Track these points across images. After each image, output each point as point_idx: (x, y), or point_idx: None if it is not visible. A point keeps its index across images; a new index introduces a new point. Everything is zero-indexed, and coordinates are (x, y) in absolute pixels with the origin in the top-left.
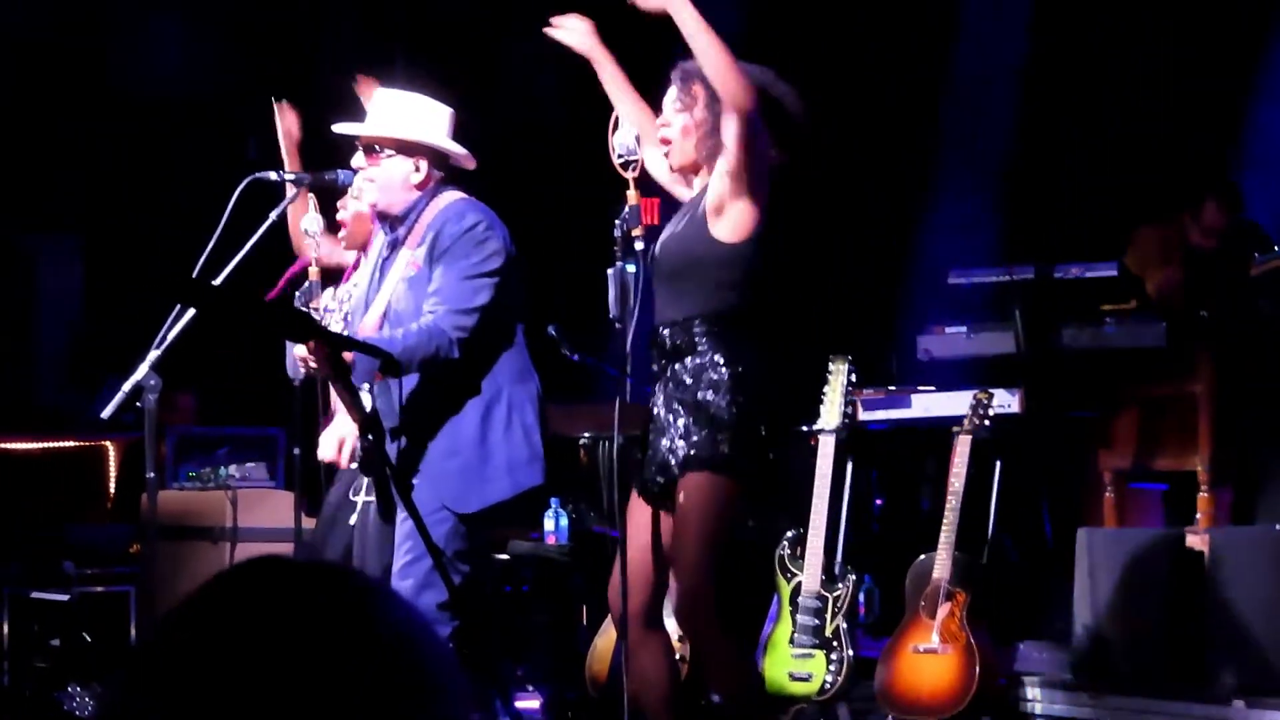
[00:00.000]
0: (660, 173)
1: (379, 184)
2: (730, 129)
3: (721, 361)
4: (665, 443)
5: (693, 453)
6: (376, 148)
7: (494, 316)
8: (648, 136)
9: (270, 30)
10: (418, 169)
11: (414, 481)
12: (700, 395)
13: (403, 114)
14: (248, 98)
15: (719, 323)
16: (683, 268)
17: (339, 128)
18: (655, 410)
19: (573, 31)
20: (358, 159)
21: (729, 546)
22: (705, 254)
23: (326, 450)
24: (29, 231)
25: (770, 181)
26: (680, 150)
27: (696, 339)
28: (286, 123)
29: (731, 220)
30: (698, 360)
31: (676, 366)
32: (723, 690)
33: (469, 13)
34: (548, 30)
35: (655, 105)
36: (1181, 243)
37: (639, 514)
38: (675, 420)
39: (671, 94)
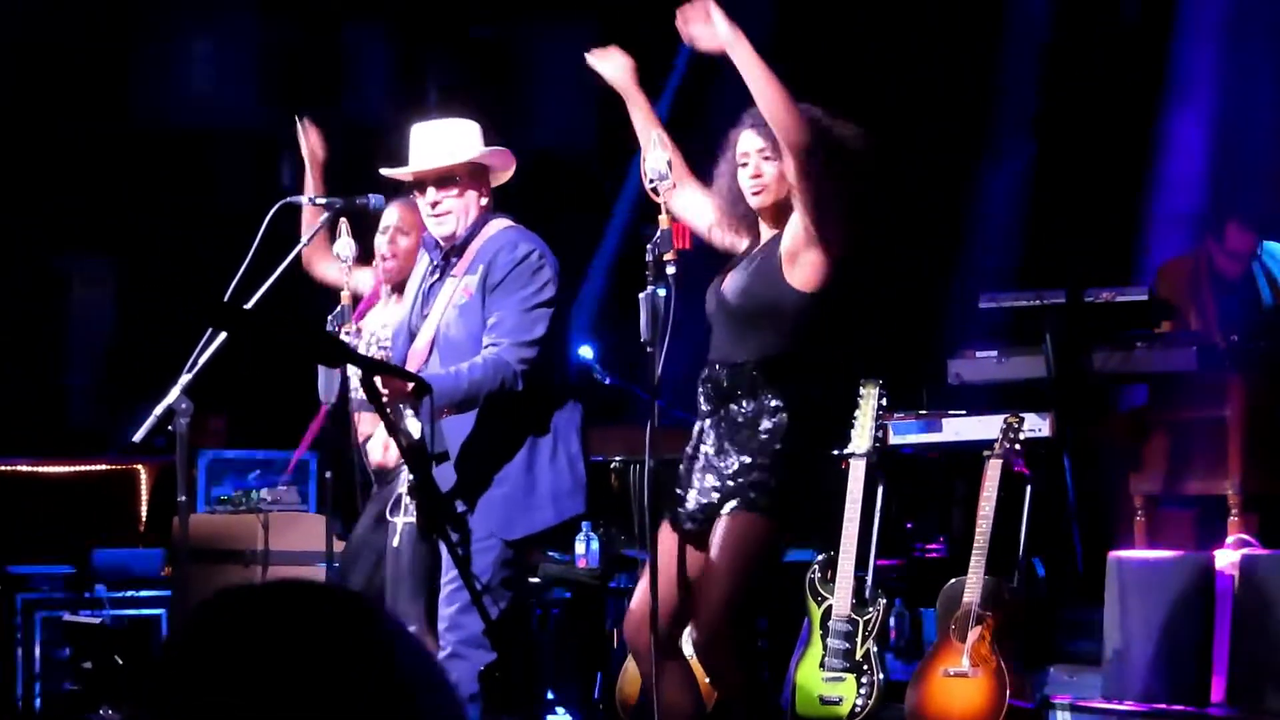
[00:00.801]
0: (696, 215)
1: (456, 213)
2: (790, 168)
3: (779, 405)
4: (712, 480)
5: (743, 493)
6: (454, 178)
7: (550, 345)
8: (677, 177)
9: (303, 55)
10: (484, 192)
11: (461, 509)
12: (756, 438)
13: (457, 141)
14: (282, 122)
15: (778, 366)
16: (754, 313)
17: (395, 173)
18: (702, 447)
19: (613, 65)
20: (430, 194)
21: (760, 585)
22: (779, 299)
23: (376, 453)
24: (62, 253)
25: (841, 228)
26: (775, 195)
27: (755, 382)
28: (310, 143)
29: (805, 268)
30: (755, 403)
31: (732, 407)
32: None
33: (501, 42)
34: (588, 57)
35: (686, 148)
36: (1210, 269)
37: (667, 543)
38: (725, 460)
39: (756, 144)
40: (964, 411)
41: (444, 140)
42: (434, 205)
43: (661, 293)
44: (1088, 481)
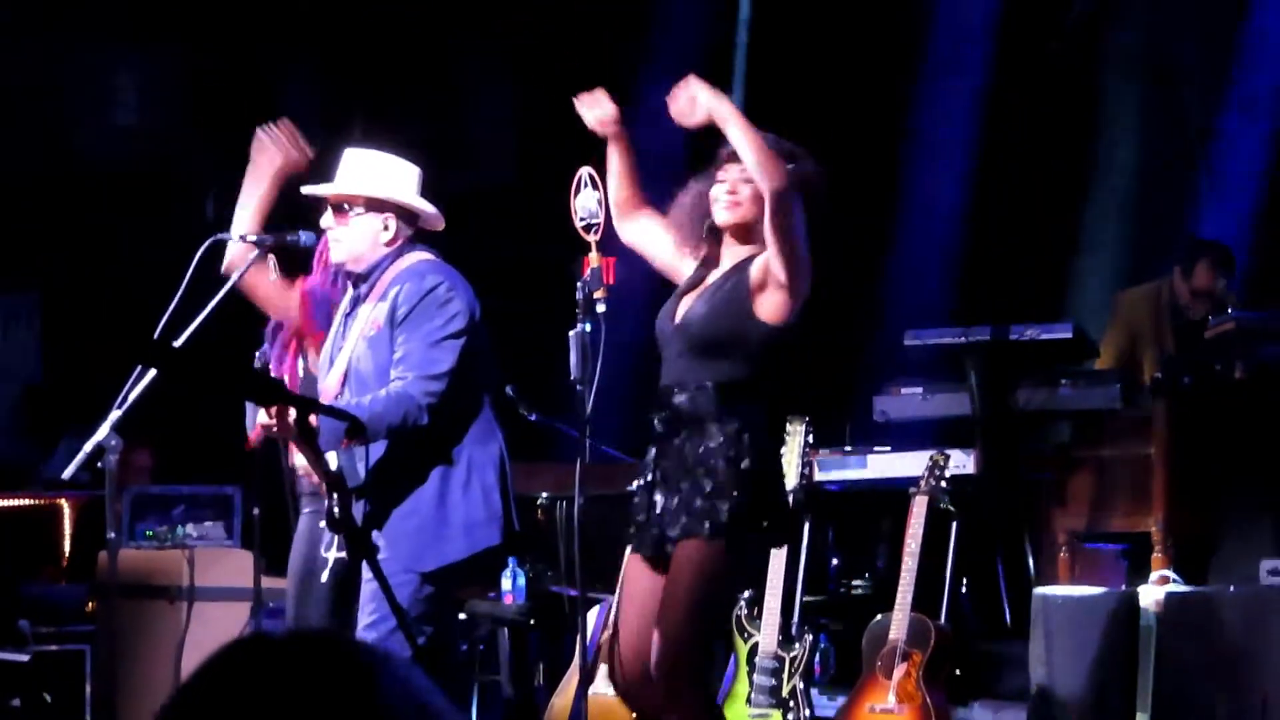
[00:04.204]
0: (653, 244)
1: (346, 243)
2: (768, 213)
3: (737, 431)
4: (672, 506)
5: (701, 520)
6: (346, 206)
7: (459, 378)
8: (629, 207)
9: (229, 89)
10: (386, 227)
11: (377, 543)
12: (715, 463)
13: (372, 172)
14: (205, 157)
15: (738, 392)
16: (718, 339)
17: (309, 189)
18: (655, 473)
19: (600, 112)
20: (327, 218)
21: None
22: (744, 330)
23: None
24: None
25: (808, 267)
26: (745, 212)
27: (715, 407)
28: (283, 147)
29: (772, 302)
30: (712, 425)
31: (689, 432)
32: None
33: (429, 73)
34: (576, 102)
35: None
36: (1170, 306)
37: (636, 575)
38: (683, 486)
39: (736, 171)
40: (889, 448)
41: (355, 169)
42: (327, 230)
43: (589, 329)
44: (1013, 518)
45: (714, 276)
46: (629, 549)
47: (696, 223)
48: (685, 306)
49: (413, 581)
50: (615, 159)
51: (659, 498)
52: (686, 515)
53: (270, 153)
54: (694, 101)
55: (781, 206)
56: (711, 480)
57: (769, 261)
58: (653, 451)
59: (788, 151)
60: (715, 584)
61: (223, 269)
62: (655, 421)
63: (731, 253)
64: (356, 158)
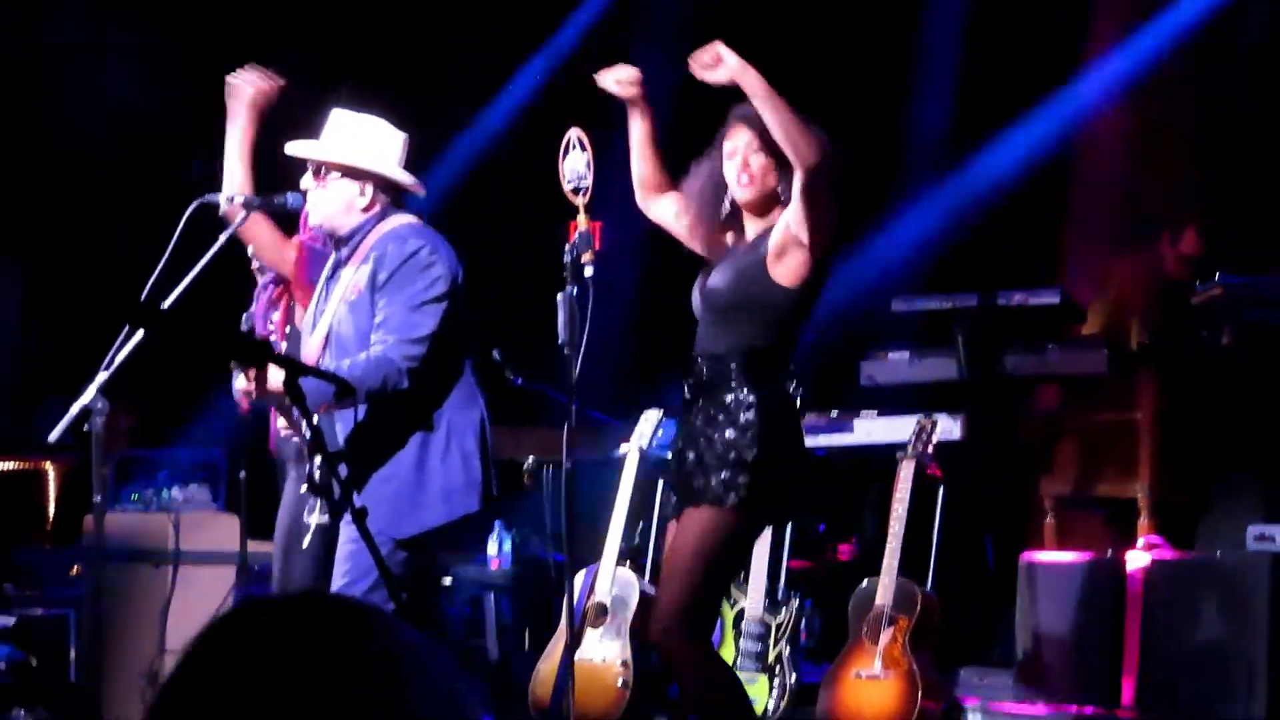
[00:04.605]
0: (675, 223)
1: (322, 206)
2: (799, 186)
3: (755, 398)
4: (690, 467)
5: (716, 485)
6: (324, 169)
7: (440, 342)
8: (651, 187)
9: (214, 49)
10: (363, 193)
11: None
12: (733, 429)
13: (355, 138)
14: (190, 118)
15: (757, 359)
16: (738, 304)
17: (291, 148)
18: (680, 440)
19: (622, 82)
20: (306, 180)
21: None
22: (762, 294)
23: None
24: None
25: (831, 233)
26: (761, 188)
27: (731, 373)
28: (254, 89)
29: (790, 266)
30: (732, 395)
31: (711, 398)
32: (703, 712)
33: (420, 33)
34: (597, 77)
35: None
36: (1158, 273)
37: (672, 537)
38: (705, 452)
39: (745, 137)
40: (876, 412)
41: (339, 134)
42: (306, 191)
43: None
44: (999, 483)
45: (740, 246)
46: (673, 520)
47: (713, 205)
48: (711, 277)
49: (386, 545)
50: (637, 128)
51: (686, 465)
52: (694, 481)
53: (241, 92)
54: (719, 60)
55: (815, 178)
56: (719, 448)
57: (790, 222)
58: (681, 419)
59: (822, 136)
60: (714, 549)
61: (220, 215)
62: (685, 388)
63: (754, 224)
64: (341, 120)
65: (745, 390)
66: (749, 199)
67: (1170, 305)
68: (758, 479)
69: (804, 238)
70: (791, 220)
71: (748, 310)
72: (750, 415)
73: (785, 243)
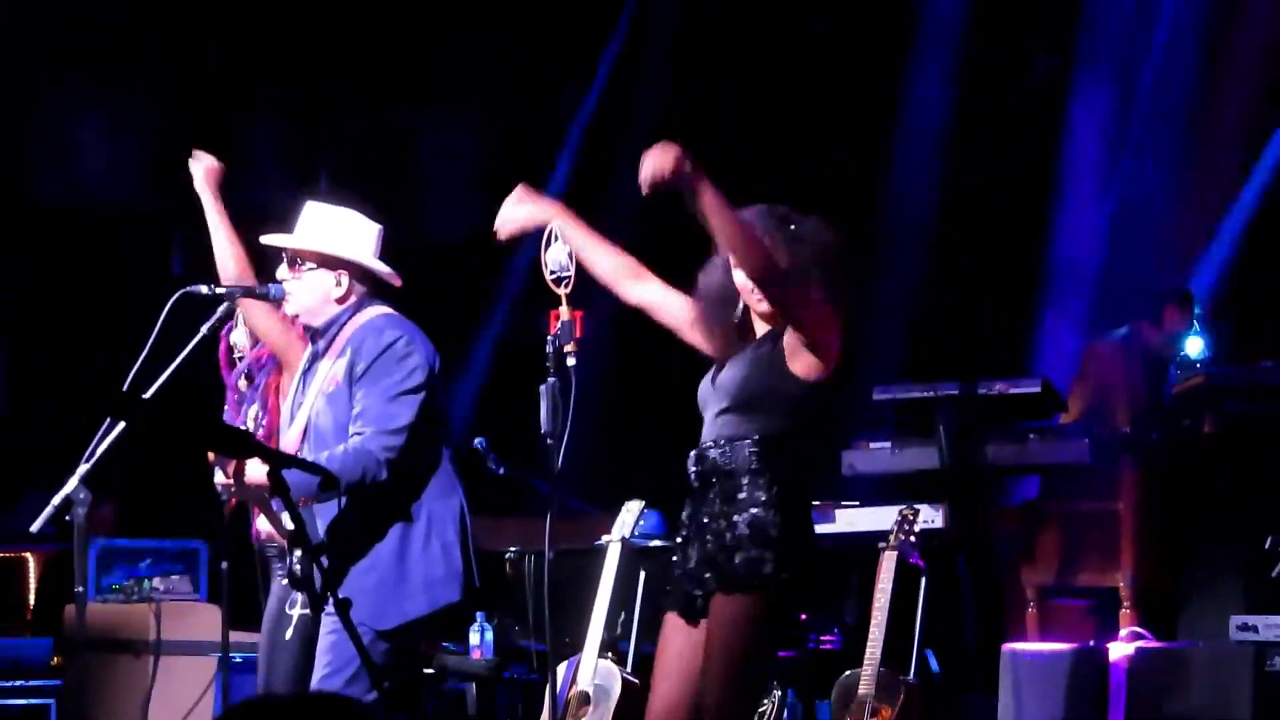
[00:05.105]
0: (667, 317)
1: (298, 296)
2: (766, 303)
3: (767, 481)
4: (702, 555)
5: (739, 574)
6: (300, 260)
7: (419, 432)
8: (626, 274)
9: (195, 142)
10: (339, 283)
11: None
12: (750, 517)
13: (329, 228)
14: (172, 209)
15: (775, 445)
16: (758, 395)
17: (267, 239)
18: (690, 529)
19: (531, 210)
20: (282, 270)
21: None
22: (780, 385)
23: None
24: None
25: (834, 323)
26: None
27: (749, 458)
28: (206, 170)
29: (805, 363)
30: (743, 478)
31: (719, 484)
32: None
33: (395, 129)
34: (496, 229)
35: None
36: (1143, 349)
37: (671, 633)
38: (709, 537)
39: None
40: (858, 502)
41: (314, 224)
42: (282, 281)
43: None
44: (982, 573)
45: (752, 341)
46: (668, 613)
47: (723, 310)
48: (724, 373)
49: (367, 635)
50: (573, 239)
51: (691, 553)
52: (713, 569)
53: (198, 174)
54: (669, 171)
55: (769, 285)
56: (737, 532)
57: (789, 332)
58: (686, 510)
59: (780, 217)
60: (748, 638)
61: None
62: (690, 476)
63: (762, 324)
64: (315, 212)
65: (759, 474)
66: (769, 310)
67: (1157, 383)
68: (785, 554)
69: (802, 340)
70: (790, 333)
71: (765, 400)
72: (774, 494)
73: (793, 345)
